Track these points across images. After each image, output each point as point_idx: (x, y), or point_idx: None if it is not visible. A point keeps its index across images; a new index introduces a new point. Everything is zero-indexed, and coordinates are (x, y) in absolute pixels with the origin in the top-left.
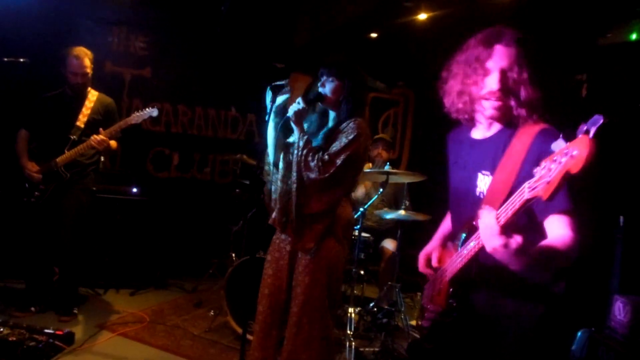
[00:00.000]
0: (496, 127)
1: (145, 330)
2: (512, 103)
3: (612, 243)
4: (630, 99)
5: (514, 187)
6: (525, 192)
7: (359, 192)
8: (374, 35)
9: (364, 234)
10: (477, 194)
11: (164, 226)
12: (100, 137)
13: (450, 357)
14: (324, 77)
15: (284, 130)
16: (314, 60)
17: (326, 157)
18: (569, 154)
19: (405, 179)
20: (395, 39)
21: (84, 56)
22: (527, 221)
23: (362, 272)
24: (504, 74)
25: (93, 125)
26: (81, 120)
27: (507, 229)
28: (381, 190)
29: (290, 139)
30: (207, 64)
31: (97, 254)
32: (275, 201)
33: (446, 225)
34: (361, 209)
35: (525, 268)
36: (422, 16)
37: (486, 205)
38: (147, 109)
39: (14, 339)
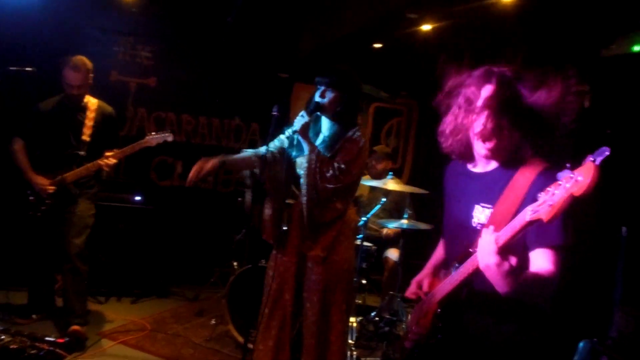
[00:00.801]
0: (494, 163)
1: (147, 338)
2: (506, 143)
3: (615, 254)
4: (633, 110)
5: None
6: (527, 214)
7: (363, 194)
8: (377, 45)
9: (366, 243)
10: (474, 224)
11: (167, 234)
12: (111, 161)
13: None
14: (323, 87)
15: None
16: (318, 70)
17: (343, 166)
18: (573, 179)
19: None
20: (399, 49)
21: (82, 67)
22: (521, 249)
23: (363, 282)
24: (490, 115)
25: (97, 137)
26: (86, 134)
27: (504, 250)
28: (383, 200)
29: (294, 152)
30: (211, 73)
31: (99, 262)
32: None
33: (439, 253)
34: (364, 218)
35: (511, 291)
36: (426, 27)
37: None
38: (161, 133)
39: (16, 346)
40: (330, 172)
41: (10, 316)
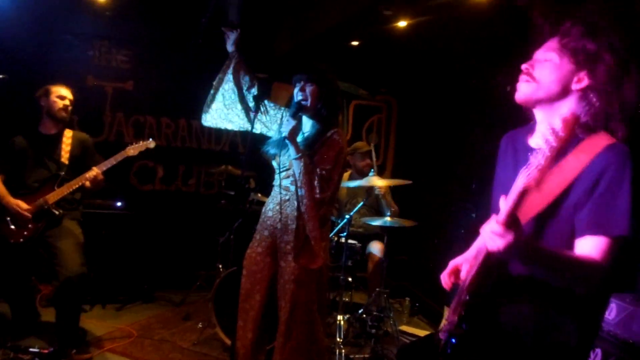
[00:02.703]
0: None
1: (134, 345)
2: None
3: None
4: None
5: (554, 204)
6: (519, 180)
7: (341, 192)
8: (355, 43)
9: (350, 241)
10: None
11: (150, 239)
12: (94, 173)
13: None
14: (302, 83)
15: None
16: (296, 69)
17: (324, 172)
18: (554, 134)
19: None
20: (377, 46)
21: (68, 89)
22: (556, 230)
23: (349, 279)
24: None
25: (76, 161)
26: (64, 157)
27: (511, 228)
28: (366, 199)
29: (272, 149)
30: (189, 75)
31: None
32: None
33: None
34: (347, 216)
35: (530, 269)
36: (402, 24)
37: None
38: (142, 141)
39: None
40: (316, 181)
41: None
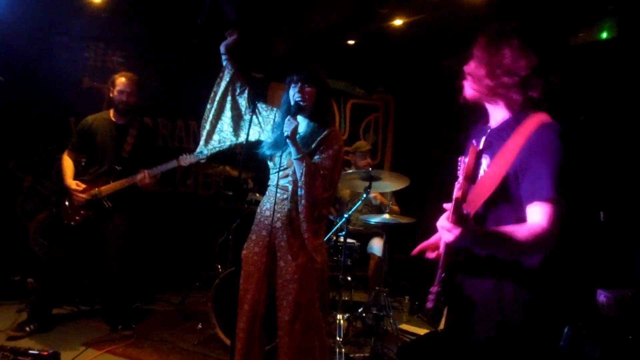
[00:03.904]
0: (504, 115)
1: (133, 346)
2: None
3: (596, 238)
4: (602, 98)
5: (501, 186)
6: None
7: (344, 193)
8: (351, 42)
9: (349, 240)
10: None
11: (149, 240)
12: (141, 176)
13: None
14: (300, 84)
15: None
16: (291, 69)
17: (325, 172)
18: (462, 163)
19: (386, 186)
20: (373, 45)
21: (131, 77)
22: (510, 207)
23: (349, 279)
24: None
25: (136, 155)
26: (125, 150)
27: (462, 221)
28: (365, 195)
29: (268, 150)
30: (186, 76)
31: (81, 271)
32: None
33: None
34: (345, 215)
35: (486, 251)
36: (398, 22)
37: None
38: (194, 154)
39: None
40: (319, 181)
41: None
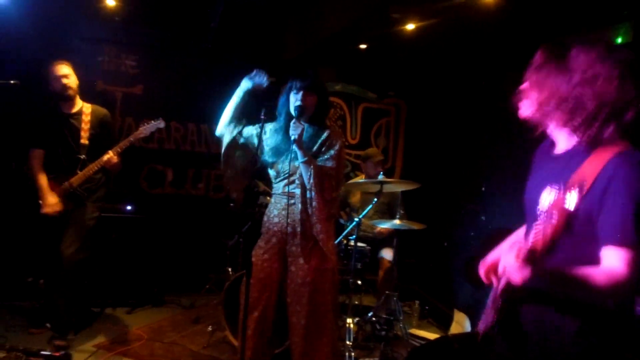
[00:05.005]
0: (574, 141)
1: (144, 348)
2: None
3: None
4: None
5: (572, 217)
6: (530, 236)
7: (355, 198)
8: (363, 46)
9: (360, 244)
10: (537, 212)
11: (160, 243)
12: (108, 157)
13: None
14: (303, 91)
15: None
16: (293, 75)
17: (332, 172)
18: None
19: (398, 187)
20: (385, 49)
21: (68, 65)
22: (580, 242)
23: (359, 282)
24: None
25: (95, 140)
26: (84, 137)
27: (532, 261)
28: (375, 200)
29: (269, 157)
30: (198, 79)
31: (93, 273)
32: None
33: (520, 234)
34: (356, 219)
35: (554, 290)
36: (410, 26)
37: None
38: (152, 122)
39: None
40: (327, 182)
41: (23, 327)
